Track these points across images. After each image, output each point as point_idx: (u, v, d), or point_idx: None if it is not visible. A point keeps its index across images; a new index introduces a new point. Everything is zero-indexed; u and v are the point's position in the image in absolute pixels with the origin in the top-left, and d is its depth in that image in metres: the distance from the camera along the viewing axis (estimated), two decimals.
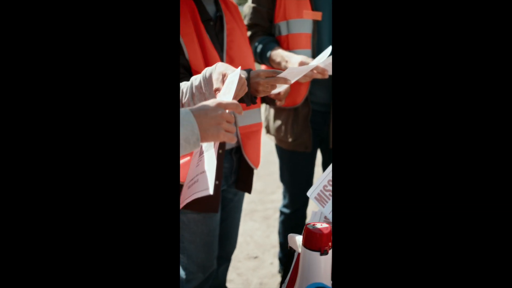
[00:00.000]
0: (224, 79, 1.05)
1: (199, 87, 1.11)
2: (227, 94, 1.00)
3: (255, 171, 1.64)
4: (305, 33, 1.74)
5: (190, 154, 1.26)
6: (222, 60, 1.40)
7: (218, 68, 1.08)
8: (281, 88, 1.58)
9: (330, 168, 1.07)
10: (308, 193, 1.20)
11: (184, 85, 1.15)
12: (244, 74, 1.22)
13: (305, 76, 1.57)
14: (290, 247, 1.03)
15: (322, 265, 0.86)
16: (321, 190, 1.18)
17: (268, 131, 2.03)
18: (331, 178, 1.09)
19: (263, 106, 1.87)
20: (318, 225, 0.89)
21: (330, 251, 0.86)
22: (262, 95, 1.31)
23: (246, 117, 1.53)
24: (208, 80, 1.09)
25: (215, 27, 1.44)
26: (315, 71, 1.57)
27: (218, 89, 1.05)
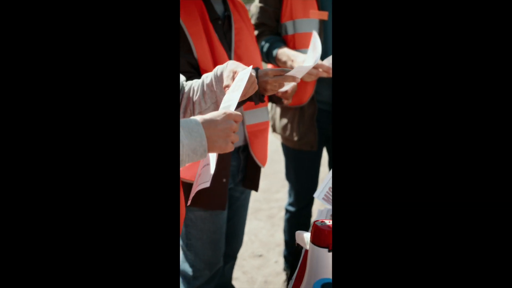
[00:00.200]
0: (234, 76, 1.06)
1: (210, 85, 1.11)
2: (236, 91, 1.00)
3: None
4: (311, 32, 1.75)
5: None
6: (230, 59, 1.41)
7: (229, 65, 1.09)
8: (288, 87, 1.59)
9: None
10: (315, 195, 1.21)
11: (195, 83, 1.16)
12: (253, 73, 1.24)
13: (311, 75, 1.58)
14: (298, 244, 1.04)
15: (330, 262, 0.87)
16: (327, 191, 1.19)
17: (274, 130, 2.04)
18: None
19: (269, 105, 1.87)
20: (327, 222, 0.90)
21: None
22: (270, 94, 1.32)
23: (253, 116, 1.54)
24: (219, 78, 1.10)
25: (223, 26, 1.46)
26: (320, 70, 1.58)
27: (227, 86, 1.06)
